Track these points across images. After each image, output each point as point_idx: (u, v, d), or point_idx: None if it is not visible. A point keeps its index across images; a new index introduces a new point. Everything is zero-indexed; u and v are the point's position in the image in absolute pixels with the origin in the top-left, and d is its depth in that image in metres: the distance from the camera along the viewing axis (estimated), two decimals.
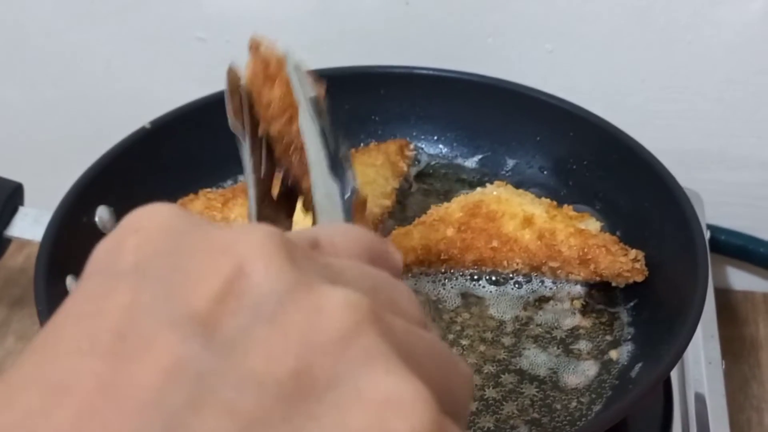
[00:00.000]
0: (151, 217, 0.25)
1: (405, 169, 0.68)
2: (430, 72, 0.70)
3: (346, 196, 0.43)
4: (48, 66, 0.82)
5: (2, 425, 0.20)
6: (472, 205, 0.62)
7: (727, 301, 0.82)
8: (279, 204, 0.48)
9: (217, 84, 0.71)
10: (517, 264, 0.60)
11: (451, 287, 0.61)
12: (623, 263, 0.58)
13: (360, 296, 0.23)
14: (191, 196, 0.64)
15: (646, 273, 0.58)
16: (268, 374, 0.21)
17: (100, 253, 0.24)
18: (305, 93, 0.44)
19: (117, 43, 0.80)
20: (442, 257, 0.60)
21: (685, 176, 0.75)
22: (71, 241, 0.58)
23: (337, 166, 0.44)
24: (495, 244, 0.60)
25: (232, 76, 0.47)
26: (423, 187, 0.69)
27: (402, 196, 0.68)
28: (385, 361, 0.22)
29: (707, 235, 0.71)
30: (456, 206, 0.62)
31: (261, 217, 0.47)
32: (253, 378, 0.21)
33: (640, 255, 0.59)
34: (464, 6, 0.75)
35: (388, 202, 0.65)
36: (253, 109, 0.47)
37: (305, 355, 0.22)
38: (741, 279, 0.83)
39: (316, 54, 0.78)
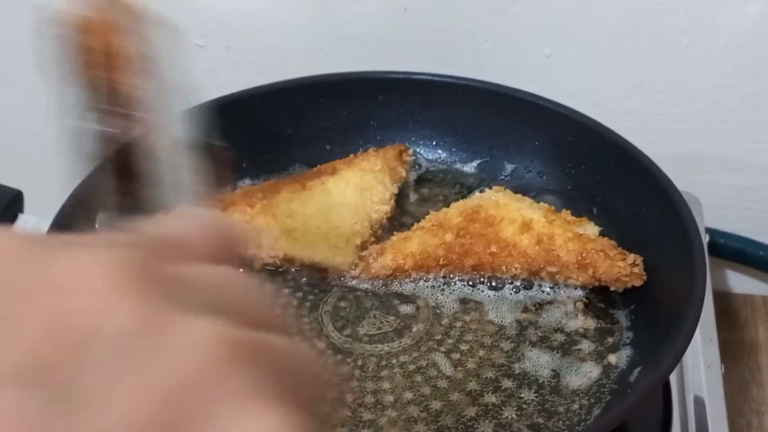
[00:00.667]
0: None
1: (404, 174, 0.68)
2: (428, 77, 0.70)
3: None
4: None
5: None
6: (471, 210, 0.62)
7: (726, 305, 0.82)
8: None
9: (216, 89, 0.72)
10: (516, 269, 0.60)
11: (450, 293, 0.61)
12: (621, 268, 0.58)
13: (218, 327, 0.21)
14: None
15: (645, 277, 0.58)
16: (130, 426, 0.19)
17: None
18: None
19: None
20: (440, 262, 0.60)
21: (683, 180, 0.75)
22: None
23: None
24: (494, 249, 0.60)
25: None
26: (422, 192, 0.69)
27: (401, 201, 0.68)
28: (253, 398, 0.21)
29: (706, 238, 0.71)
30: (454, 211, 0.62)
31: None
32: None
33: (639, 259, 0.59)
34: (462, 11, 0.75)
35: (387, 208, 0.65)
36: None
37: (172, 402, 0.19)
38: (740, 282, 0.83)
39: (314, 59, 0.78)
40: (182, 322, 0.21)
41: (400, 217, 0.67)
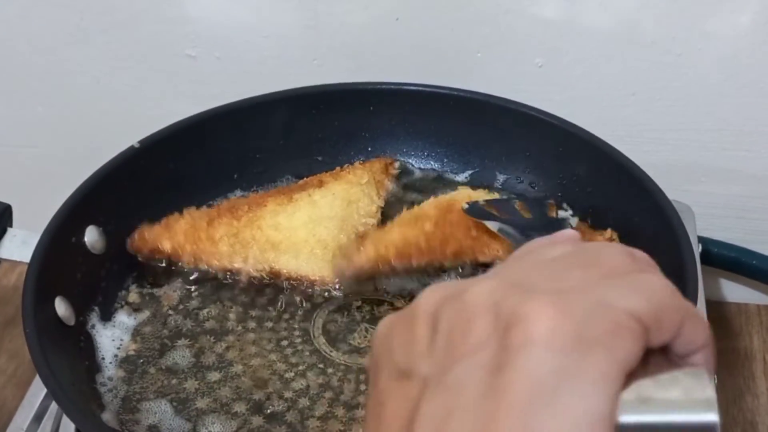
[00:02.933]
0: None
1: (390, 187, 0.68)
2: (420, 88, 0.70)
3: None
4: (37, 84, 0.82)
5: None
6: (446, 204, 0.62)
7: (720, 314, 0.82)
8: None
9: (208, 100, 0.72)
10: (497, 251, 0.60)
11: None
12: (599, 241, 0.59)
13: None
14: (176, 215, 0.64)
15: None
16: None
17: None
18: None
19: (106, 61, 0.80)
20: (423, 250, 0.60)
21: (676, 189, 0.75)
22: (60, 263, 0.58)
23: None
24: (474, 233, 0.60)
25: None
26: (414, 202, 0.69)
27: (392, 212, 0.68)
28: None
29: (699, 248, 0.71)
30: (429, 206, 0.63)
31: None
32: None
33: (615, 235, 0.59)
34: (454, 21, 0.75)
35: (373, 221, 0.65)
36: None
37: (630, 257, 0.33)
38: (734, 291, 0.83)
39: (306, 70, 0.78)
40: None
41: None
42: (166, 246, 0.62)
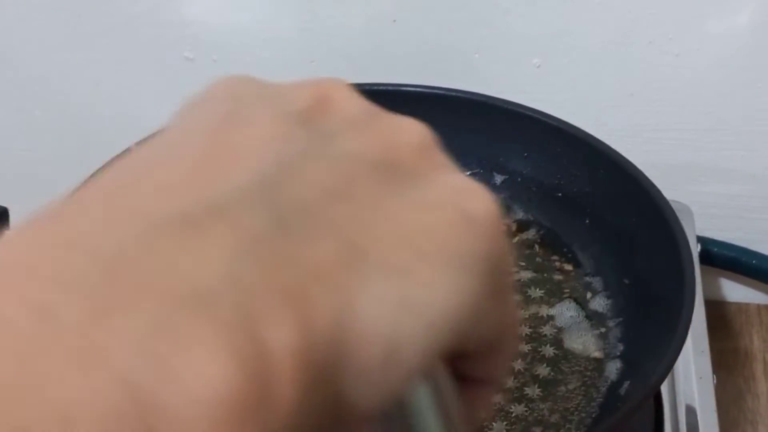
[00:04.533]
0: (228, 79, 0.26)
1: None
2: (417, 89, 0.69)
3: None
4: (34, 88, 0.82)
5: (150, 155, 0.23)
6: None
7: (720, 314, 0.82)
8: None
9: None
10: None
11: None
12: None
13: (426, 128, 0.26)
14: None
15: None
16: (363, 154, 0.23)
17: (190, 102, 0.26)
18: None
19: (104, 64, 0.80)
20: None
21: (675, 189, 0.75)
22: None
23: None
24: None
25: None
26: None
27: None
28: (456, 170, 0.26)
29: (698, 248, 0.71)
30: None
31: None
32: (351, 153, 0.23)
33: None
34: (451, 22, 0.75)
35: None
36: None
37: (391, 151, 0.24)
38: (734, 291, 0.83)
39: (303, 72, 0.78)
40: (402, 116, 0.26)
41: None
42: None
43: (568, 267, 0.63)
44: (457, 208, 0.23)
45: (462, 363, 0.26)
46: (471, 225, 0.23)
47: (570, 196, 0.66)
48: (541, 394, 0.55)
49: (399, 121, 0.26)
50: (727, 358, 0.77)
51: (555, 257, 0.64)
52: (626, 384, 0.54)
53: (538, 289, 0.62)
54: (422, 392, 0.24)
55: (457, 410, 0.25)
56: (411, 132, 0.25)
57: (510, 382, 0.56)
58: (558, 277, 0.62)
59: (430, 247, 0.22)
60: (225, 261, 0.19)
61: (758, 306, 0.82)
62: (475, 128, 0.69)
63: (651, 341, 0.54)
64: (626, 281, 0.60)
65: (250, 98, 0.25)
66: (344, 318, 0.20)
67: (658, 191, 0.60)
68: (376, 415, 0.22)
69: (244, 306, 0.19)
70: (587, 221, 0.64)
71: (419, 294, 0.21)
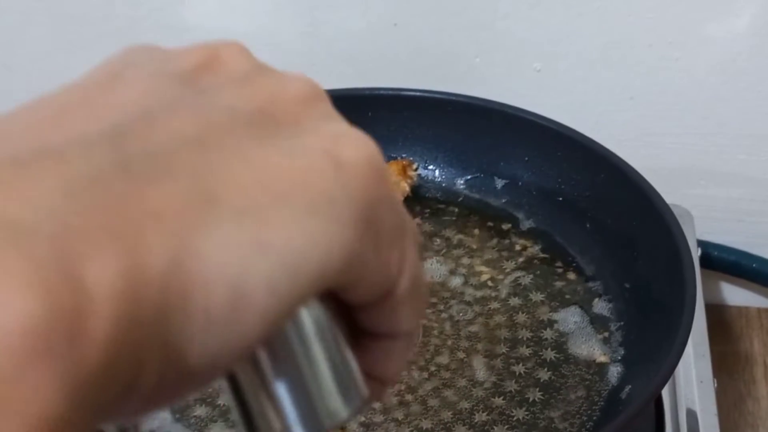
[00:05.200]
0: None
1: (407, 189, 0.68)
2: (418, 93, 0.70)
3: None
4: (34, 92, 0.82)
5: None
6: None
7: (721, 317, 0.82)
8: None
9: None
10: None
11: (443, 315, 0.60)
12: None
13: (314, 81, 0.26)
14: None
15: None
16: (237, 106, 0.23)
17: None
18: None
19: None
20: None
21: (675, 193, 0.75)
22: None
23: None
24: None
25: None
26: (413, 210, 0.69)
27: None
28: (341, 120, 0.25)
29: (698, 252, 0.71)
30: None
31: None
32: (223, 105, 0.23)
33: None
34: (452, 26, 0.75)
35: None
36: None
37: (272, 104, 0.24)
38: (735, 294, 0.83)
39: None
40: (291, 73, 0.26)
41: None
42: None
43: (569, 271, 0.63)
44: (329, 154, 0.23)
45: (363, 316, 0.26)
46: (340, 171, 0.23)
47: (571, 201, 0.66)
48: (542, 398, 0.55)
49: (285, 76, 0.26)
50: (727, 361, 0.77)
51: (556, 261, 0.64)
52: (627, 388, 0.54)
53: (539, 293, 0.62)
54: (302, 328, 0.24)
55: (341, 353, 0.25)
56: (296, 85, 0.25)
57: (510, 388, 0.56)
58: (559, 281, 0.62)
59: (291, 192, 0.22)
60: (49, 198, 0.19)
61: (758, 309, 0.82)
62: (476, 132, 0.69)
63: (652, 345, 0.54)
64: (627, 285, 0.60)
65: (139, 61, 0.25)
66: (183, 262, 0.20)
67: (659, 195, 0.60)
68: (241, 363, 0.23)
69: (61, 242, 0.18)
70: (588, 225, 0.65)
71: (275, 238, 0.21)
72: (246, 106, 0.24)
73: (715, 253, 0.79)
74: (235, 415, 0.25)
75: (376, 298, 0.25)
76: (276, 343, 0.23)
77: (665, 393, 0.60)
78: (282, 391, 0.24)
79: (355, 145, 0.24)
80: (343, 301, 0.25)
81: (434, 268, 0.64)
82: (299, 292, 0.22)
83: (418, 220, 0.68)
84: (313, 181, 0.22)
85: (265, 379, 0.24)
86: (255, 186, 0.22)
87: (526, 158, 0.68)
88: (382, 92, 0.70)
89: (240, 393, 0.24)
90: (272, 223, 0.21)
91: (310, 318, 0.24)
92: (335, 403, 0.24)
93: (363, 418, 0.54)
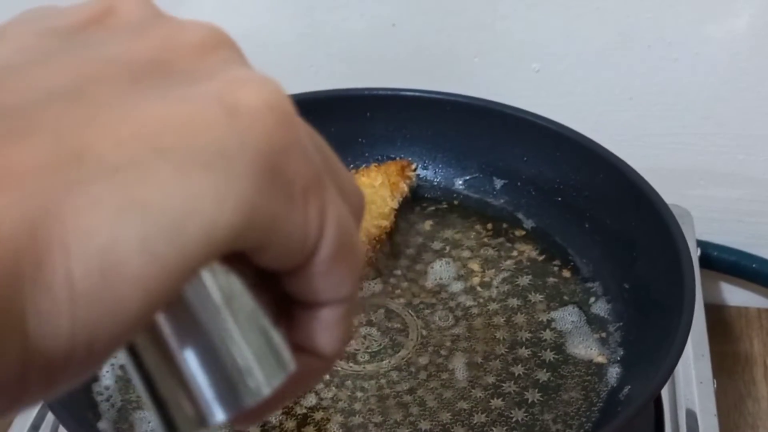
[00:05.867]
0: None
1: (406, 189, 0.68)
2: (416, 94, 0.70)
3: None
4: None
5: None
6: None
7: (721, 317, 0.82)
8: None
9: None
10: None
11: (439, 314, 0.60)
12: None
13: (219, 28, 0.24)
14: None
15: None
16: (122, 57, 0.22)
17: None
18: None
19: None
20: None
21: (674, 193, 0.75)
22: None
23: None
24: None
25: None
26: (412, 210, 0.69)
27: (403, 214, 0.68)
28: (247, 66, 0.23)
29: (698, 252, 0.71)
30: None
31: None
32: (105, 56, 0.21)
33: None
34: (451, 26, 0.75)
35: (386, 223, 0.65)
36: None
37: (165, 52, 0.22)
38: (735, 295, 0.83)
39: (303, 77, 0.78)
40: (194, 20, 0.24)
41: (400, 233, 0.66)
42: None
43: (568, 271, 0.63)
44: (222, 100, 0.21)
45: (288, 282, 0.23)
46: (235, 118, 0.21)
47: (569, 201, 0.66)
48: (541, 399, 0.55)
49: (184, 23, 0.23)
50: (727, 362, 0.77)
51: (555, 261, 0.64)
52: (626, 389, 0.54)
53: (538, 294, 0.62)
54: (207, 295, 0.21)
55: (260, 322, 0.22)
56: (194, 32, 0.23)
57: (508, 389, 0.55)
58: (558, 281, 0.62)
59: (174, 144, 0.20)
60: None
61: (758, 310, 0.82)
62: (475, 133, 0.69)
63: (651, 346, 0.54)
64: (626, 286, 0.60)
65: (28, 19, 0.23)
66: (40, 226, 0.18)
67: (658, 195, 0.60)
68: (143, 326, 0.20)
69: None
70: (587, 225, 0.64)
71: (151, 196, 0.19)
72: (135, 56, 0.22)
73: (715, 253, 0.79)
74: (143, 396, 0.22)
75: (296, 262, 0.23)
76: (179, 314, 0.21)
77: (665, 393, 0.60)
78: (192, 367, 0.21)
79: (256, 88, 0.21)
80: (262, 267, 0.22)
81: (433, 269, 0.63)
82: (186, 255, 0.19)
83: (415, 219, 0.68)
84: (201, 130, 0.20)
85: (171, 355, 0.21)
86: (132, 140, 0.19)
87: (525, 158, 0.68)
88: (380, 92, 0.70)
89: (146, 372, 0.22)
90: (149, 180, 0.19)
91: (216, 284, 0.21)
92: (255, 379, 0.22)
93: (361, 419, 0.54)
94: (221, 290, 0.21)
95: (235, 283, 0.22)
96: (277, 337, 0.23)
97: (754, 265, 0.79)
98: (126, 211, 0.19)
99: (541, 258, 0.64)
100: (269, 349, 0.22)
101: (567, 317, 0.60)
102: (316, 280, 0.23)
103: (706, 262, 0.79)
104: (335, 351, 0.25)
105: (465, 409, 0.54)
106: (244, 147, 0.20)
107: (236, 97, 0.21)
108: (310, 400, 0.55)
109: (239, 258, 0.22)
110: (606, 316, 0.60)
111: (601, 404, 0.54)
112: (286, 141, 0.21)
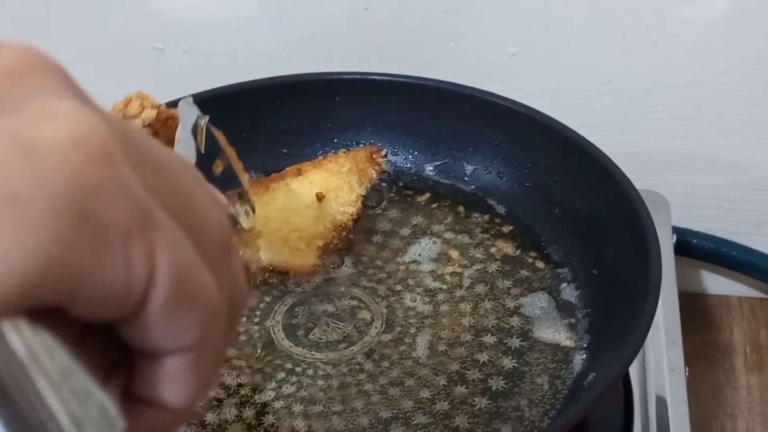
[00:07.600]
0: None
1: (374, 175, 0.67)
2: (386, 78, 0.68)
3: None
4: None
5: None
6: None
7: (701, 306, 0.80)
8: None
9: (176, 94, 0.70)
10: None
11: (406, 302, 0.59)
12: None
13: (39, 51, 0.22)
14: None
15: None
16: None
17: None
18: None
19: (74, 54, 0.79)
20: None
21: (653, 179, 0.74)
22: None
23: None
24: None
25: None
26: (377, 196, 0.68)
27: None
28: (67, 95, 0.21)
29: (673, 238, 0.70)
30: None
31: None
32: None
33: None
34: (425, 10, 0.73)
35: (352, 209, 0.64)
36: None
37: None
38: (715, 283, 0.81)
39: (275, 61, 0.77)
40: (10, 43, 0.22)
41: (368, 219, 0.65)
42: None
43: (538, 257, 0.62)
44: (17, 138, 0.19)
45: (123, 331, 0.21)
46: (30, 158, 0.19)
47: (539, 186, 0.65)
48: (505, 386, 0.54)
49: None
50: (707, 350, 0.76)
51: (525, 247, 0.63)
52: (591, 375, 0.53)
53: (507, 280, 0.60)
54: (6, 355, 0.19)
55: (78, 380, 0.20)
56: (7, 56, 0.21)
57: (472, 377, 0.54)
58: (527, 267, 0.61)
59: None
60: None
61: (739, 298, 0.81)
62: (445, 117, 0.68)
63: (618, 332, 0.53)
64: (595, 272, 0.59)
65: None
66: None
67: (627, 180, 0.58)
68: None
69: None
70: (557, 211, 0.63)
71: None
72: None
73: (695, 240, 0.78)
74: None
75: (122, 312, 0.20)
76: None
77: (635, 380, 0.59)
78: None
79: (62, 123, 0.19)
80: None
81: (401, 256, 0.62)
82: None
83: (385, 204, 0.67)
84: None
85: None
86: None
87: (495, 143, 0.67)
88: (349, 76, 0.69)
89: None
90: None
91: (21, 341, 0.19)
92: None
93: (321, 407, 0.53)
94: (27, 348, 0.19)
95: (46, 340, 0.20)
96: (100, 395, 0.20)
97: (734, 253, 0.78)
98: None
99: (511, 244, 0.63)
100: (90, 408, 0.20)
101: (536, 303, 0.59)
102: (151, 328, 0.21)
103: (686, 249, 0.77)
104: (184, 404, 0.22)
105: (427, 397, 0.53)
106: (39, 190, 0.18)
107: (36, 134, 0.19)
108: (270, 389, 0.54)
109: (57, 310, 0.20)
110: (575, 302, 0.59)
111: (566, 391, 0.53)
112: (97, 180, 0.19)
